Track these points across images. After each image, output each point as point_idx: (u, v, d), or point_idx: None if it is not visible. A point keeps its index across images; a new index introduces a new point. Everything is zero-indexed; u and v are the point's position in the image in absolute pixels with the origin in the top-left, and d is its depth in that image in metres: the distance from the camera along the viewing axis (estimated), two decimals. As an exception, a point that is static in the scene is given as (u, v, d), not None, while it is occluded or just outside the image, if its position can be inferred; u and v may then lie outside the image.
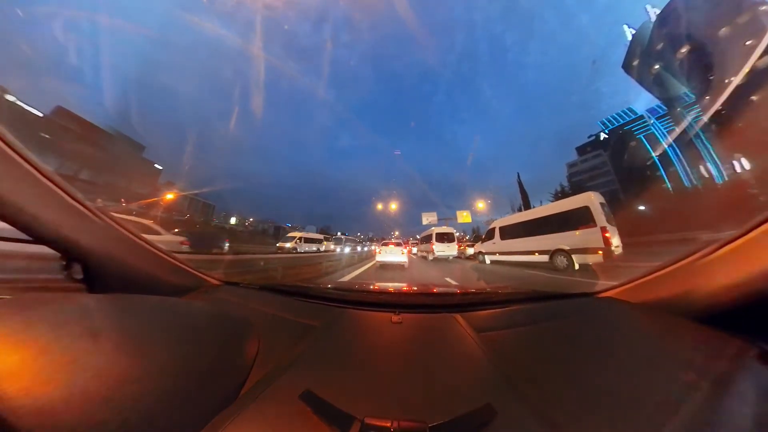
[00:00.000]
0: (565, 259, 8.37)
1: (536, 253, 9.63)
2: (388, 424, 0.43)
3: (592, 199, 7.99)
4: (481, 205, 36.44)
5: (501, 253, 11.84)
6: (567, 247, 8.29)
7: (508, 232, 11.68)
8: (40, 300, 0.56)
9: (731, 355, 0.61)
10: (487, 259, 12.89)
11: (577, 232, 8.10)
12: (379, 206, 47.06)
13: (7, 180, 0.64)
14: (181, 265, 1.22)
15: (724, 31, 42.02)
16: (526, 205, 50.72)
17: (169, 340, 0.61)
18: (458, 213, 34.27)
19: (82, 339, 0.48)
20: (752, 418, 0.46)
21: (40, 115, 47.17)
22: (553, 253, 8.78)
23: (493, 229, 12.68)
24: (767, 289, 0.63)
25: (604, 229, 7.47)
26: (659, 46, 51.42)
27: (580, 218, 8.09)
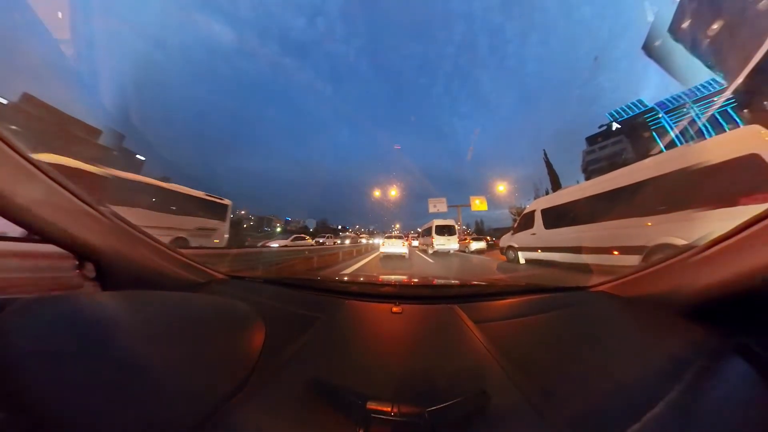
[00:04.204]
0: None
1: (616, 252, 5.81)
2: (389, 409, 0.46)
3: None
4: (501, 188, 31.89)
5: (545, 249, 8.14)
6: (682, 242, 4.54)
7: (558, 217, 7.86)
8: (56, 298, 0.58)
9: (712, 348, 0.66)
10: (522, 256, 9.30)
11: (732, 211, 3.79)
12: (377, 193, 43.61)
13: (13, 183, 0.65)
14: (188, 261, 1.24)
15: (763, 4, 37.82)
16: (556, 188, 44.20)
17: (180, 333, 0.65)
18: (471, 199, 29.28)
19: (98, 335, 0.51)
20: (729, 406, 0.50)
21: (4, 102, 42.73)
22: (650, 252, 5.01)
23: (531, 213, 8.98)
24: (750, 287, 0.67)
25: None
26: (685, 24, 47.15)
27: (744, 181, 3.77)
